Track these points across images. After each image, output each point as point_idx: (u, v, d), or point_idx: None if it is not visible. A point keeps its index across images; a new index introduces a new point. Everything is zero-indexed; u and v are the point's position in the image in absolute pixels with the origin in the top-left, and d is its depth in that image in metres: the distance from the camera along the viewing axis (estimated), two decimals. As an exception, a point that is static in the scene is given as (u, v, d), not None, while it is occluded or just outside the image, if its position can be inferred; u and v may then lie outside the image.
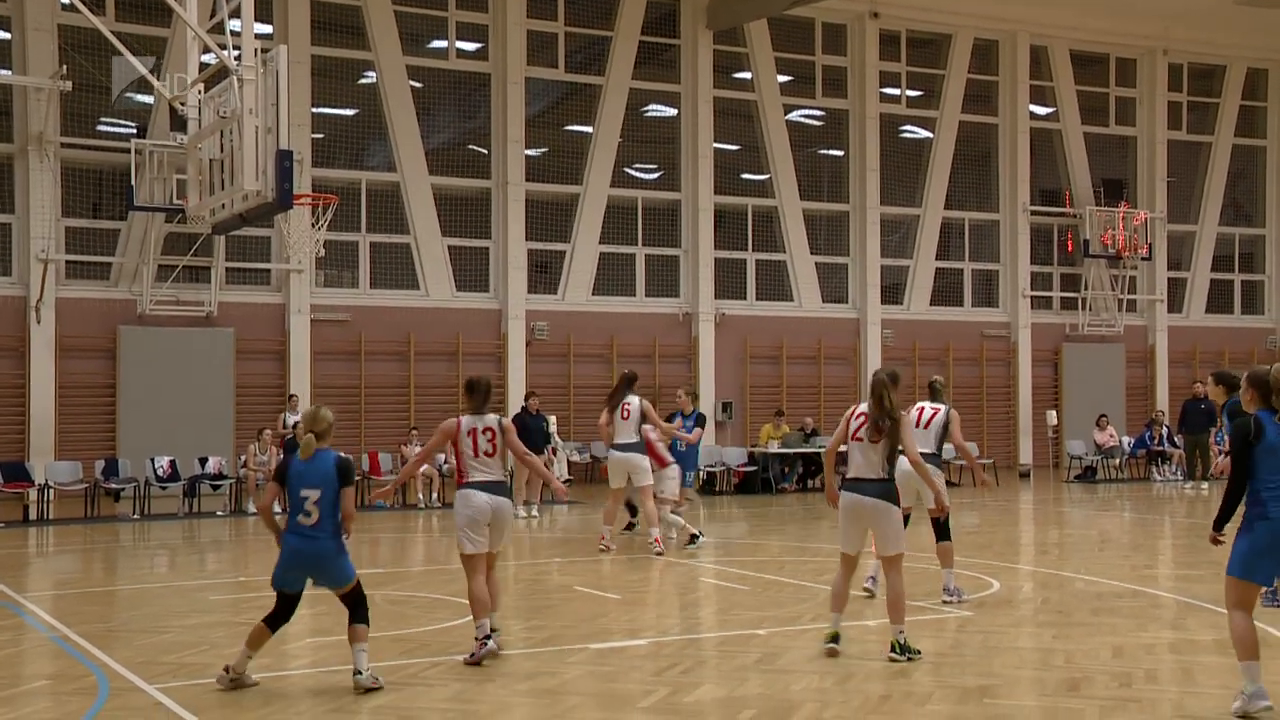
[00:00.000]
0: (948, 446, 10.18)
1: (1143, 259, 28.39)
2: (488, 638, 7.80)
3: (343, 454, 7.28)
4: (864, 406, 7.96)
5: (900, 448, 7.88)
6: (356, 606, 7.23)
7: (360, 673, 7.09)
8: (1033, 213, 28.03)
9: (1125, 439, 25.29)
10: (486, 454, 8.00)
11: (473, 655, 7.75)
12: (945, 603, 9.81)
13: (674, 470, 13.71)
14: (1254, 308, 30.68)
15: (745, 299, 25.85)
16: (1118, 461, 24.73)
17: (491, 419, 8.09)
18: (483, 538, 7.92)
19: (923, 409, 10.00)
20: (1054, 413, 25.71)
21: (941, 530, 9.92)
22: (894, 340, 26.52)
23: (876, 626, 9.24)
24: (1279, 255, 30.42)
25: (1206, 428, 20.87)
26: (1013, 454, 27.27)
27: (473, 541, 7.89)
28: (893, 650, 7.76)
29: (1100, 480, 24.17)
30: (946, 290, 27.67)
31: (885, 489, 7.83)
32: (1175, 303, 29.60)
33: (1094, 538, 15.41)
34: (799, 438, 22.45)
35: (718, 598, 10.73)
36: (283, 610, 7.27)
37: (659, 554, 12.79)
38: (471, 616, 7.95)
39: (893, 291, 27.12)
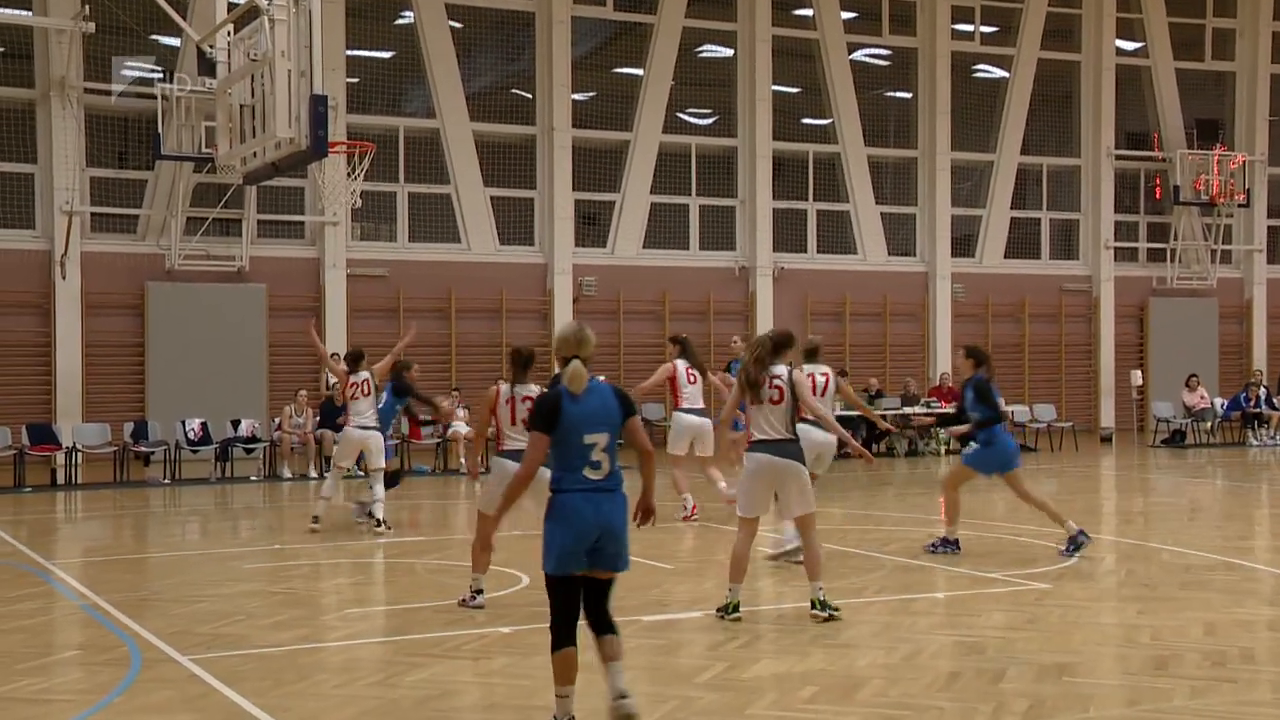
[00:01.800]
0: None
1: (1239, 206, 27.90)
2: (479, 593, 8.71)
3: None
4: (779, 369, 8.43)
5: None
6: (607, 612, 5.96)
7: (626, 696, 5.91)
8: (1117, 157, 27.64)
9: (1218, 401, 25.11)
10: (524, 422, 8.41)
11: (463, 600, 8.73)
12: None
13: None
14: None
15: (806, 252, 25.72)
16: (1209, 425, 24.43)
17: (533, 389, 8.57)
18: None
19: (813, 375, 10.56)
20: (1139, 372, 25.41)
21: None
22: (965, 295, 26.31)
23: (945, 600, 9.22)
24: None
25: None
26: (1094, 417, 27.00)
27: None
28: (813, 607, 8.28)
29: (1189, 445, 23.95)
30: (1022, 241, 27.37)
31: (795, 449, 8.35)
32: (1275, 253, 29.17)
33: (1183, 506, 15.28)
34: (863, 400, 22.25)
35: (776, 568, 10.71)
36: (576, 607, 5.88)
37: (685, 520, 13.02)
38: (474, 568, 8.72)
39: (964, 243, 26.87)
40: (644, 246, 24.53)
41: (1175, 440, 24.22)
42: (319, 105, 12.41)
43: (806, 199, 25.84)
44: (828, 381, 10.71)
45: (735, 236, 25.31)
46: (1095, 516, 14.49)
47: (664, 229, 24.83)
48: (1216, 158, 27.41)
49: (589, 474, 5.85)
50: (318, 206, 21.77)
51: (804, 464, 8.37)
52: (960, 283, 26.30)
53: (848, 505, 14.97)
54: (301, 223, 22.65)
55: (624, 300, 24.08)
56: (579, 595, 5.88)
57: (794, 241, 25.64)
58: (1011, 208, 27.12)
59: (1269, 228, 28.89)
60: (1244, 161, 27.79)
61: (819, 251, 25.86)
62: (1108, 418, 26.74)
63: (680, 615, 8.57)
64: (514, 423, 8.62)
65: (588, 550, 5.80)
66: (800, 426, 9.59)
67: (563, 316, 23.57)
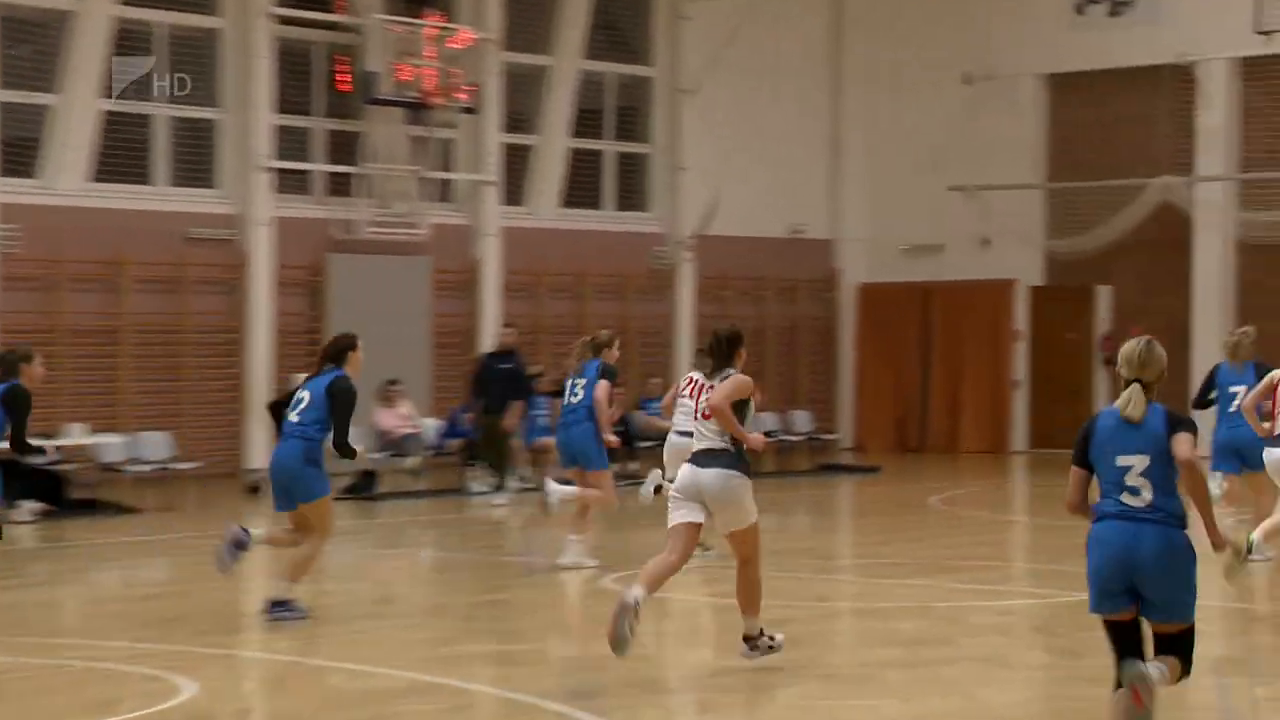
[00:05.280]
0: None
1: (464, 111, 25.99)
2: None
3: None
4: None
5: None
6: (1185, 654, 7.24)
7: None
8: (280, 20, 24.98)
9: (430, 422, 24.25)
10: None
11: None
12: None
13: None
14: (635, 203, 29.31)
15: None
16: (412, 464, 23.17)
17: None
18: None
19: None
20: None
21: None
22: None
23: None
24: (668, 106, 28.68)
25: (517, 400, 21.42)
26: (236, 456, 24.74)
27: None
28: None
29: (383, 495, 22.37)
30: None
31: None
32: (516, 190, 27.49)
33: (373, 596, 15.19)
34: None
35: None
36: (1128, 652, 7.08)
37: None
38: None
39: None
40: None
41: (364, 488, 21.98)
42: None
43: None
44: None
45: None
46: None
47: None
48: (430, 33, 25.53)
49: (1128, 499, 7.17)
50: None
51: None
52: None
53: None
54: None
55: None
56: (1127, 640, 7.11)
57: None
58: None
59: (508, 147, 27.31)
60: (472, 41, 25.85)
61: None
62: (256, 456, 23.79)
63: None
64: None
65: (1131, 581, 7.17)
66: None
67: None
